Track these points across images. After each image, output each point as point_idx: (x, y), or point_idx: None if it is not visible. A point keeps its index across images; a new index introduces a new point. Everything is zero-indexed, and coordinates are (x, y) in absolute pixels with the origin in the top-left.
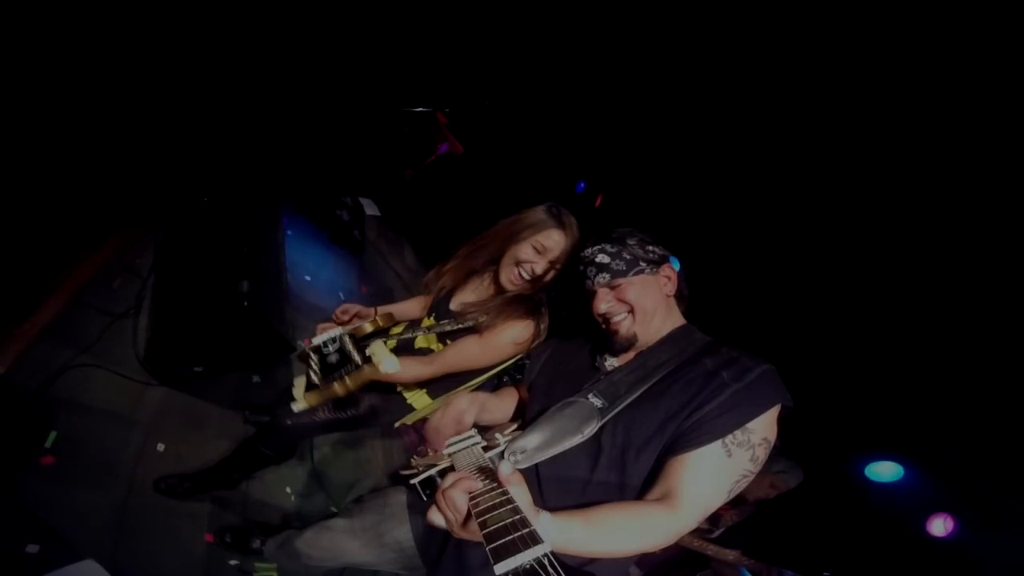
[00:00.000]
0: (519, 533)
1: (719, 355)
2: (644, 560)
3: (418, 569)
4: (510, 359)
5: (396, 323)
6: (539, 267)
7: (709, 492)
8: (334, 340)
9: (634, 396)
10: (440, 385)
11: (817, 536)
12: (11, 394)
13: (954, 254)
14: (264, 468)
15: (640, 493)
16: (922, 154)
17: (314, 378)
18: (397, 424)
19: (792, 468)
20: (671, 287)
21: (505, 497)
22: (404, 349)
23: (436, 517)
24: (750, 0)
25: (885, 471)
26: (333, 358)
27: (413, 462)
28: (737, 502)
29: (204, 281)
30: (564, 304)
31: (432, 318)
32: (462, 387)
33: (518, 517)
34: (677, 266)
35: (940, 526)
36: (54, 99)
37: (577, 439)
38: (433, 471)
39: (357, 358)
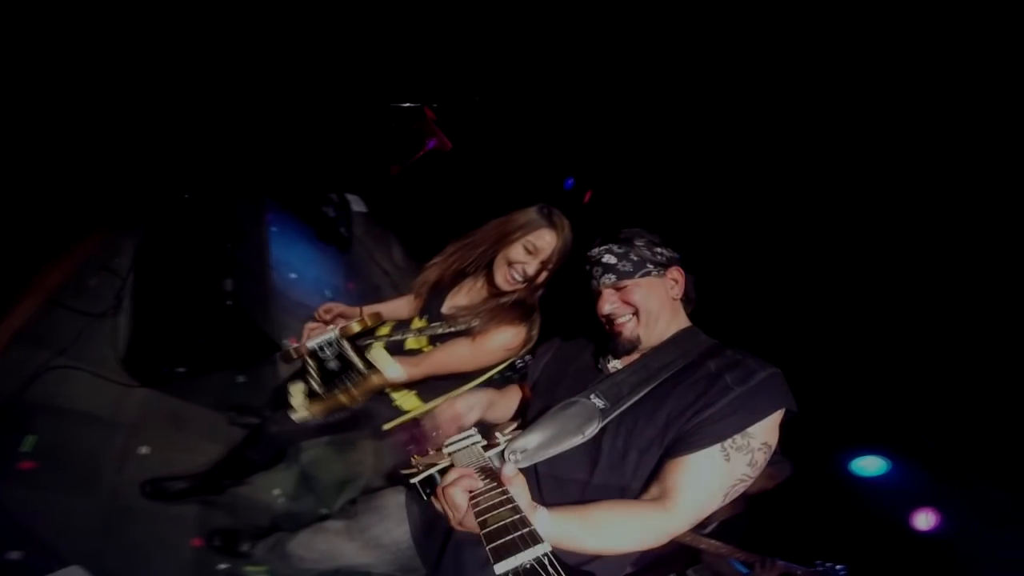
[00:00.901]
0: (519, 533)
1: (724, 358)
2: (638, 557)
3: (416, 570)
4: (500, 364)
5: (383, 322)
6: (531, 267)
7: (704, 495)
8: (330, 344)
9: (636, 398)
10: (430, 388)
11: (807, 529)
12: None
13: (933, 254)
14: (253, 474)
15: (639, 495)
16: (904, 157)
17: (315, 386)
18: (387, 427)
19: (783, 460)
20: (678, 290)
21: (505, 496)
22: (394, 351)
23: (440, 514)
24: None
25: (870, 466)
26: (333, 364)
27: (413, 461)
28: None
29: (186, 279)
30: (557, 305)
31: (424, 319)
32: (452, 391)
33: (518, 517)
34: None
35: (924, 520)
36: (28, 95)
37: (578, 440)
38: (433, 470)
39: (360, 365)
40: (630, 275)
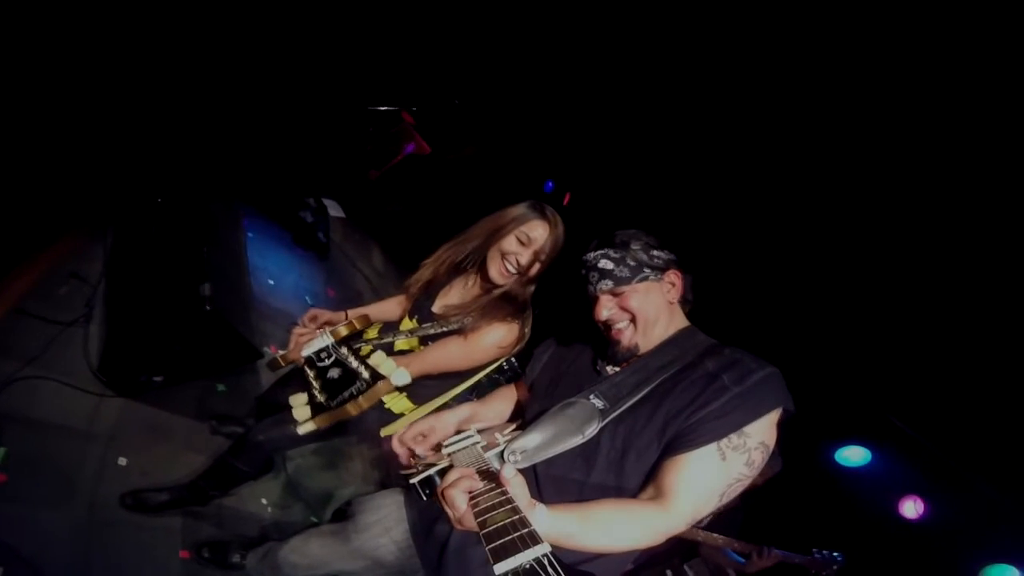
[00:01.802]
0: (518, 533)
1: (721, 357)
2: (638, 554)
3: (415, 572)
4: (493, 362)
5: (371, 325)
6: (524, 258)
7: (701, 494)
8: (327, 352)
9: (636, 398)
10: (422, 389)
11: (800, 519)
12: None
13: (914, 245)
14: (241, 484)
15: (637, 495)
16: (878, 153)
17: (318, 397)
18: (382, 434)
19: (775, 455)
20: (675, 293)
21: (504, 497)
22: (384, 348)
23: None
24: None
25: (854, 456)
26: (334, 373)
27: (413, 461)
28: None
29: (161, 286)
30: (554, 303)
31: (414, 320)
32: (445, 393)
33: (517, 517)
34: None
35: (911, 508)
36: None
37: (578, 440)
38: (432, 471)
39: (365, 374)
40: (627, 281)
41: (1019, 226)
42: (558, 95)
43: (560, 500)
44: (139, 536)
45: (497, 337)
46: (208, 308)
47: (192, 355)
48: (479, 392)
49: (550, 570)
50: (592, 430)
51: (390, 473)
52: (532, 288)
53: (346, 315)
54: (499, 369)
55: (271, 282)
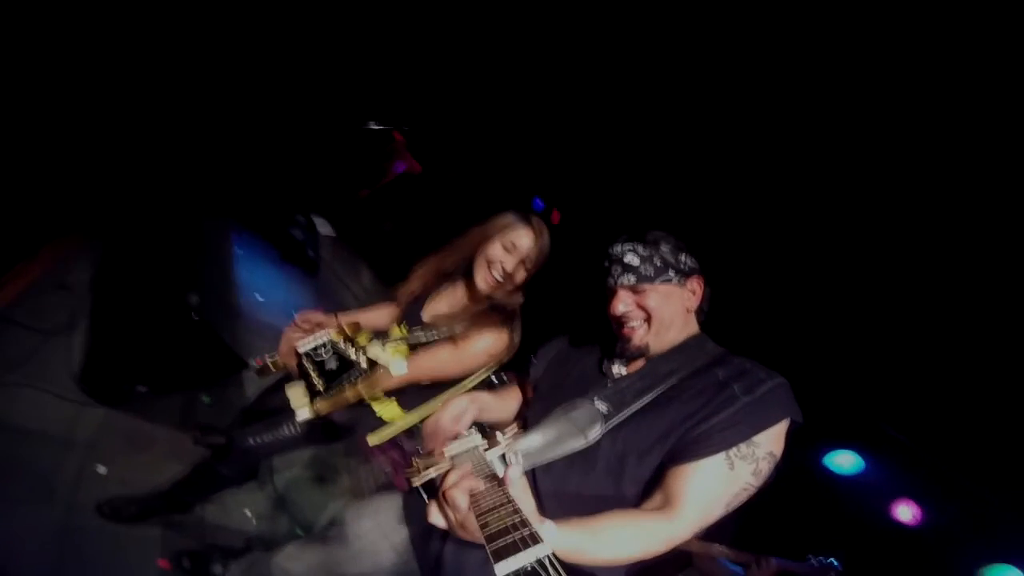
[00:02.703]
0: (520, 533)
1: (731, 366)
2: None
3: (413, 574)
4: (483, 369)
5: (361, 331)
6: (509, 264)
7: (708, 503)
8: (325, 346)
9: (641, 403)
10: (412, 396)
11: (793, 526)
12: None
13: (896, 250)
14: (223, 491)
15: (637, 501)
16: (864, 164)
17: (317, 385)
18: (371, 442)
19: None
20: (694, 301)
21: (506, 498)
22: None
23: (436, 517)
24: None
25: (845, 462)
26: (332, 364)
27: (414, 462)
28: None
29: (148, 296)
30: (558, 307)
31: (403, 328)
32: (434, 399)
33: (519, 518)
34: None
35: (906, 512)
36: None
37: (580, 443)
38: (434, 472)
39: (364, 363)
40: (650, 279)
41: (1005, 230)
42: (547, 114)
43: (557, 503)
44: (116, 545)
45: (487, 344)
46: (196, 318)
47: (177, 365)
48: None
49: (551, 571)
50: (595, 434)
51: (378, 482)
52: (521, 297)
53: (336, 319)
54: (488, 382)
55: (259, 297)
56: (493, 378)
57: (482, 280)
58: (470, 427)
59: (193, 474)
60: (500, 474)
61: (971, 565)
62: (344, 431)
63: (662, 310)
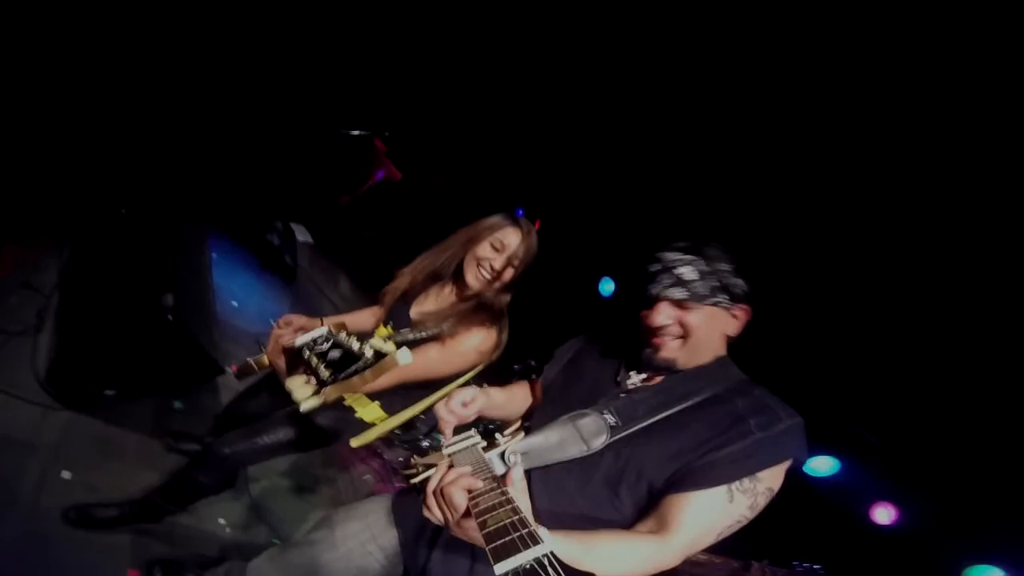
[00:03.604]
0: (519, 533)
1: (751, 398)
2: None
3: None
4: (472, 368)
5: (347, 333)
6: (498, 263)
7: (702, 534)
8: (325, 338)
9: (650, 421)
10: (395, 398)
11: (773, 532)
12: None
13: (875, 252)
14: (200, 500)
15: (629, 518)
16: (840, 175)
17: (322, 374)
18: (354, 444)
19: None
20: (735, 327)
21: (505, 497)
22: None
23: (433, 515)
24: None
25: (822, 466)
26: (335, 354)
27: (413, 461)
28: None
29: (120, 297)
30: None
31: (388, 327)
32: (420, 401)
33: (518, 517)
34: (612, 287)
35: (884, 515)
36: None
37: (581, 451)
38: (433, 471)
39: (369, 353)
40: (701, 299)
41: (974, 233)
42: (529, 123)
43: (550, 507)
44: (83, 553)
45: (476, 342)
46: (170, 318)
47: (149, 369)
48: None
49: (550, 570)
50: (598, 444)
51: (357, 490)
52: (508, 297)
53: (321, 320)
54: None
55: (235, 303)
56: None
57: (472, 278)
58: (472, 426)
59: (168, 481)
60: (498, 473)
61: (953, 566)
62: (324, 437)
63: (702, 331)
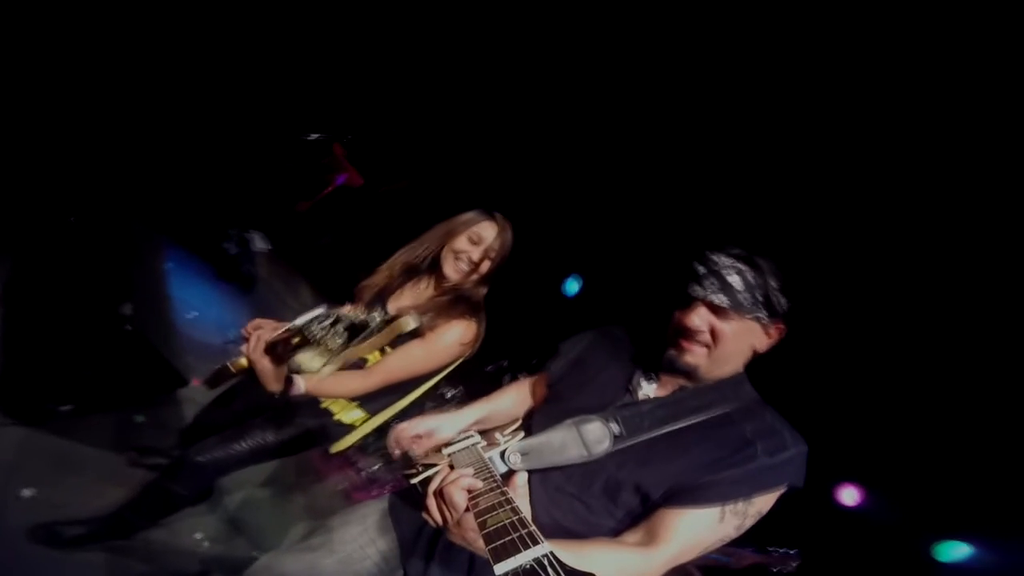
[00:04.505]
0: (519, 533)
1: (761, 421)
2: None
3: None
4: (455, 360)
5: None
6: (475, 255)
7: (688, 549)
8: (325, 316)
9: (657, 433)
10: (376, 399)
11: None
12: None
13: (824, 248)
14: (174, 513)
15: (623, 524)
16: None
17: (331, 344)
18: (332, 450)
19: None
20: (767, 344)
21: (505, 498)
22: None
23: (432, 516)
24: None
25: None
26: (340, 327)
27: (413, 461)
28: None
29: (72, 307)
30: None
31: None
32: (399, 402)
33: (518, 518)
34: (578, 286)
35: (849, 496)
36: None
37: (583, 456)
38: (433, 471)
39: (377, 319)
40: (743, 310)
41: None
42: (493, 127)
43: (546, 507)
44: (55, 573)
45: (457, 334)
46: (129, 328)
47: (107, 381)
48: (435, 401)
49: (550, 570)
50: (600, 451)
51: (333, 500)
52: (484, 289)
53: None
54: (440, 396)
55: (193, 314)
56: (448, 393)
57: (451, 270)
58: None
59: (139, 495)
60: (498, 473)
61: (921, 543)
62: (302, 443)
63: (733, 343)
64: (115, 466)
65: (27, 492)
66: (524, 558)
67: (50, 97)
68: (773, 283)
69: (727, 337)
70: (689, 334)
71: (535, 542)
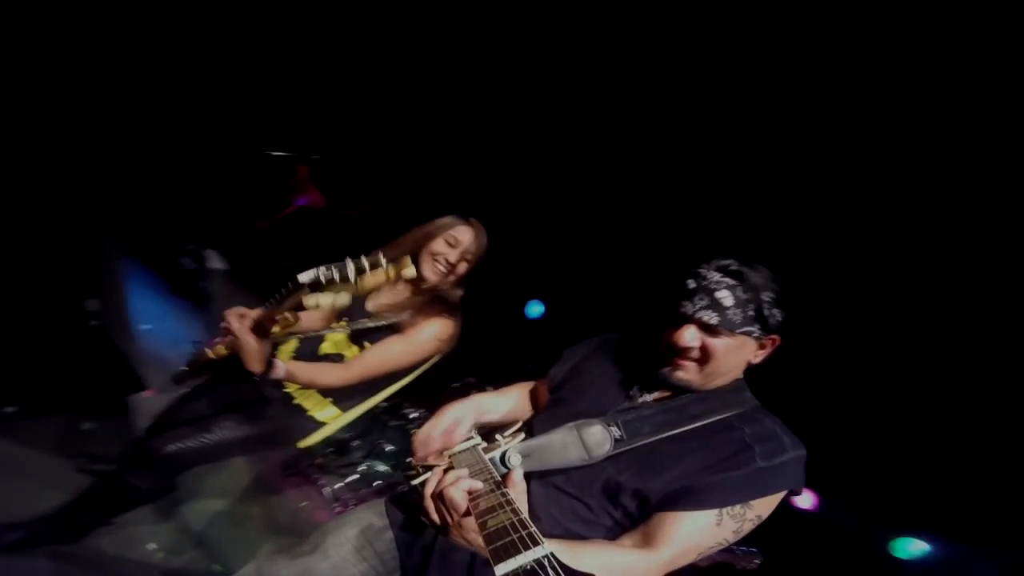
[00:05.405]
0: (519, 534)
1: (760, 426)
2: None
3: None
4: (431, 357)
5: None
6: (452, 257)
7: (685, 552)
8: (328, 267)
9: (657, 438)
10: (350, 396)
11: None
12: None
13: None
14: (130, 511)
15: (622, 527)
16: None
17: (346, 277)
18: (301, 444)
19: None
20: (761, 357)
21: (505, 499)
22: (311, 350)
23: (430, 518)
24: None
25: None
26: (349, 268)
27: (413, 462)
28: None
29: (25, 306)
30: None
31: (344, 321)
32: (371, 398)
33: (518, 518)
34: (541, 309)
35: (805, 500)
36: None
37: (583, 459)
38: (432, 473)
39: (383, 260)
40: (733, 327)
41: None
42: (460, 147)
43: (544, 507)
44: None
45: (436, 330)
46: (93, 323)
47: (56, 382)
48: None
49: (550, 571)
50: (600, 454)
51: (293, 514)
52: (460, 292)
53: (276, 312)
54: (404, 416)
55: (147, 327)
56: (414, 413)
57: (429, 271)
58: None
59: (95, 488)
60: (499, 474)
61: (877, 540)
62: (272, 438)
63: (725, 360)
64: (60, 472)
65: None
66: (524, 559)
67: (12, 106)
68: (765, 297)
69: (719, 353)
70: (680, 351)
71: (535, 543)
